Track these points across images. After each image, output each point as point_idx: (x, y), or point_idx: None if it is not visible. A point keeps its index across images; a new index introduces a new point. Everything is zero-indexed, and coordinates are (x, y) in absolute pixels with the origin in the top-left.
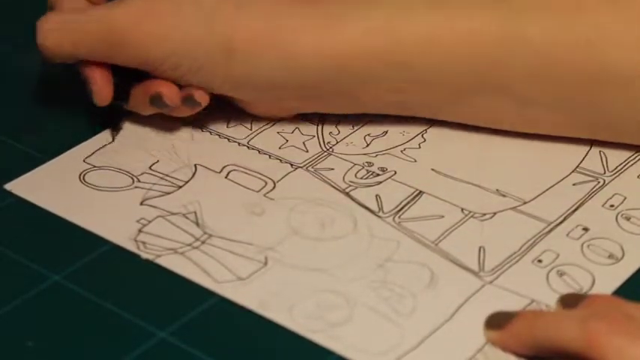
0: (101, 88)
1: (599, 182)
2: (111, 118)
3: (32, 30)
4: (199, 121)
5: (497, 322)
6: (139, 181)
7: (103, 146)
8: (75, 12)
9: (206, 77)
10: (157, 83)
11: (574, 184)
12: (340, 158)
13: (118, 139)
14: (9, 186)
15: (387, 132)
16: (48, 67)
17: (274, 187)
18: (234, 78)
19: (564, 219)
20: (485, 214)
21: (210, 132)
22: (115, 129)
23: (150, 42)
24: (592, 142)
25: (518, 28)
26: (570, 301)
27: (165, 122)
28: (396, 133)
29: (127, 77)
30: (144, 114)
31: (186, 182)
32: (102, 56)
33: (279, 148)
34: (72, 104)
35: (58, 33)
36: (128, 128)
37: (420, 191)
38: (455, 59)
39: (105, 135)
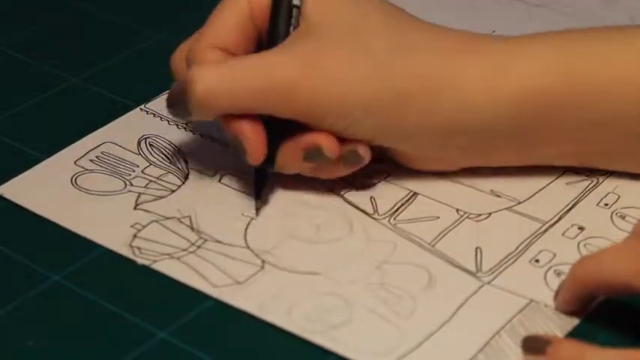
0: (256, 145)
1: (592, 181)
2: (258, 186)
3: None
4: (191, 125)
5: (537, 346)
6: (131, 184)
7: (94, 148)
8: (227, 63)
9: (374, 128)
10: (313, 135)
11: (568, 184)
12: None
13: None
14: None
15: None
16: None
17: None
18: (407, 127)
19: (559, 218)
20: (480, 215)
21: (202, 135)
22: (261, 199)
23: (318, 93)
24: None
25: None
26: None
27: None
28: None
29: (274, 135)
30: (291, 172)
31: (180, 186)
32: (261, 109)
33: None
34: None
35: (215, 88)
36: (120, 133)
37: (415, 192)
38: (627, 102)
39: (96, 136)
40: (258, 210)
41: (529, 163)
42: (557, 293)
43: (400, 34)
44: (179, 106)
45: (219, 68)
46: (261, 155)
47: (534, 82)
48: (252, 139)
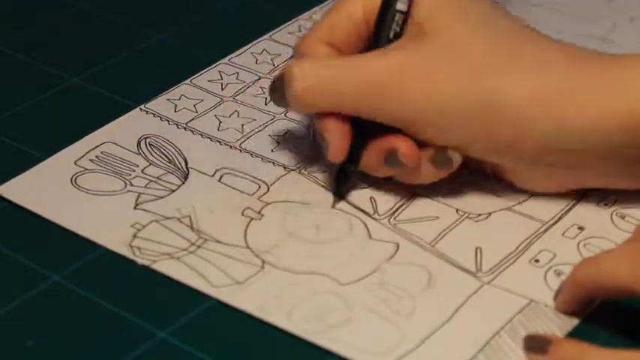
0: (339, 142)
1: None
2: (337, 183)
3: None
4: (190, 124)
5: (538, 345)
6: (131, 184)
7: (94, 148)
8: (327, 60)
9: (466, 137)
10: (392, 138)
11: None
12: None
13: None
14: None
15: None
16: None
17: (268, 190)
18: (502, 139)
19: (559, 218)
20: (480, 215)
21: (202, 135)
22: (340, 196)
23: (413, 97)
24: None
25: None
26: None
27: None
28: None
29: (362, 136)
30: (377, 175)
31: (180, 186)
32: (355, 111)
33: (272, 151)
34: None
35: (313, 86)
36: (120, 133)
37: (415, 192)
38: None
39: (96, 136)
40: (334, 205)
41: (634, 187)
42: (557, 294)
43: (503, 47)
44: (279, 94)
45: (318, 65)
46: (341, 155)
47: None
48: (336, 137)
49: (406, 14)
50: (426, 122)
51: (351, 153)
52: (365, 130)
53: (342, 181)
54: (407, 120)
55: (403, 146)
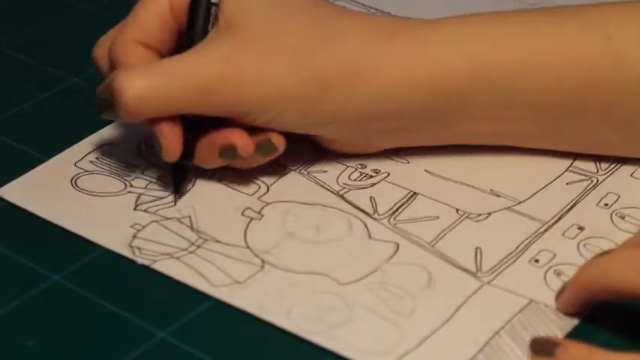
0: (172, 143)
1: (592, 181)
2: (176, 180)
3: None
4: None
5: (545, 348)
6: (131, 185)
7: (94, 150)
8: (153, 67)
9: (295, 118)
10: (227, 133)
11: (567, 184)
12: (333, 160)
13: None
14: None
15: None
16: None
17: (268, 191)
18: (327, 114)
19: (559, 218)
20: (480, 215)
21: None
22: (179, 192)
23: (240, 91)
24: None
25: (618, 52)
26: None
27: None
28: None
29: (192, 131)
30: (209, 167)
31: None
32: (188, 110)
33: None
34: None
35: (144, 95)
36: (120, 134)
37: (414, 192)
38: (557, 82)
39: (96, 137)
40: (175, 202)
41: (451, 143)
42: (559, 294)
43: (318, 25)
44: (108, 110)
45: (146, 75)
46: (175, 153)
47: (453, 66)
48: (169, 138)
49: (217, 6)
50: (263, 108)
51: (184, 149)
52: (194, 124)
53: (181, 177)
54: (244, 110)
55: (240, 141)
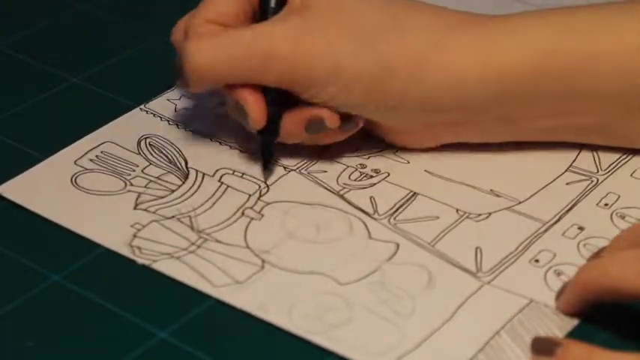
0: (256, 110)
1: (592, 181)
2: (265, 157)
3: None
4: (190, 124)
5: (546, 348)
6: (131, 184)
7: (94, 148)
8: (222, 34)
9: (360, 96)
10: (314, 108)
11: (567, 184)
12: (333, 160)
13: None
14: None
15: None
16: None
17: (268, 191)
18: (391, 97)
19: (559, 218)
20: (480, 215)
21: (202, 135)
22: (268, 168)
23: (307, 62)
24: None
25: None
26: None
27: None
28: None
29: (276, 107)
30: (293, 142)
31: (180, 186)
32: (254, 78)
33: None
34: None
35: (209, 58)
36: (120, 133)
37: (414, 192)
38: (623, 73)
39: (96, 136)
40: (266, 180)
41: (518, 139)
42: (559, 294)
43: (388, 14)
44: (179, 78)
45: (213, 39)
46: (262, 119)
47: (521, 58)
48: (254, 103)
49: None
50: (329, 80)
51: (269, 126)
52: (276, 99)
53: (269, 154)
54: (310, 81)
55: (327, 113)
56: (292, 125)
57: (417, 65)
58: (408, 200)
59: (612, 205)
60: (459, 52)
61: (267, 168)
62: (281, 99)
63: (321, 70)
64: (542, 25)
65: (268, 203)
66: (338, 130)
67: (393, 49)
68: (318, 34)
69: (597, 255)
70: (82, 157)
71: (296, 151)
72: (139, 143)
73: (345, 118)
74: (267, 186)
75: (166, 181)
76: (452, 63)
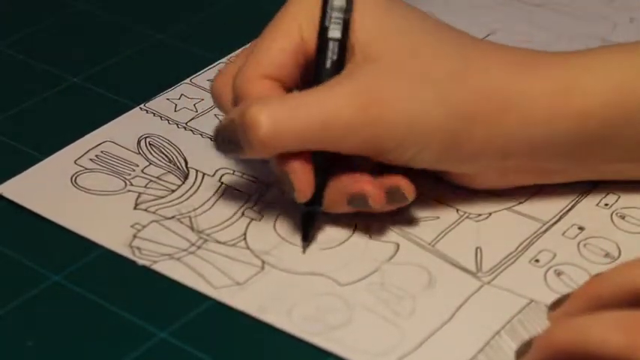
0: (304, 182)
1: (592, 181)
2: (305, 227)
3: None
4: (190, 123)
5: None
6: (131, 184)
7: (94, 147)
8: (289, 100)
9: (437, 154)
10: (358, 181)
11: (568, 184)
12: None
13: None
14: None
15: None
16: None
17: (268, 190)
18: (470, 151)
19: (559, 218)
20: (480, 215)
21: (202, 135)
22: (308, 239)
23: (380, 127)
24: None
25: None
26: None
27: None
28: None
29: (321, 176)
30: (337, 212)
31: (180, 186)
32: (322, 146)
33: None
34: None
35: (280, 127)
36: (120, 133)
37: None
38: None
39: (96, 135)
40: (304, 251)
41: (589, 179)
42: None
43: (458, 56)
44: (231, 143)
45: (282, 107)
46: (308, 193)
47: (596, 99)
48: (302, 176)
49: (342, 41)
50: (406, 146)
51: (313, 194)
52: (322, 169)
53: (310, 224)
54: (385, 148)
55: (371, 191)
56: (336, 197)
57: (496, 109)
58: None
59: (612, 205)
60: (534, 91)
61: (307, 239)
62: (329, 164)
63: (395, 137)
64: (621, 61)
65: (268, 203)
66: (386, 204)
67: (472, 94)
68: (385, 95)
69: (557, 308)
70: (81, 156)
71: None
72: (138, 143)
73: (392, 193)
74: (268, 186)
75: (166, 181)
76: (527, 107)
